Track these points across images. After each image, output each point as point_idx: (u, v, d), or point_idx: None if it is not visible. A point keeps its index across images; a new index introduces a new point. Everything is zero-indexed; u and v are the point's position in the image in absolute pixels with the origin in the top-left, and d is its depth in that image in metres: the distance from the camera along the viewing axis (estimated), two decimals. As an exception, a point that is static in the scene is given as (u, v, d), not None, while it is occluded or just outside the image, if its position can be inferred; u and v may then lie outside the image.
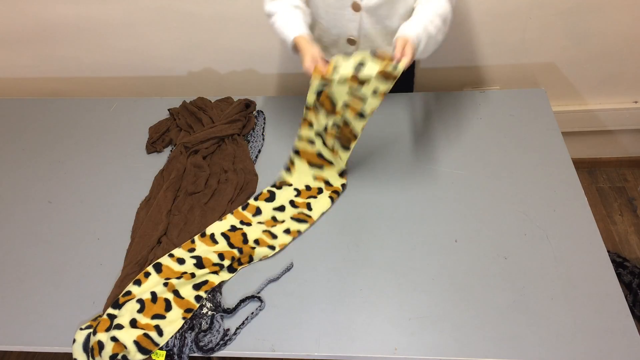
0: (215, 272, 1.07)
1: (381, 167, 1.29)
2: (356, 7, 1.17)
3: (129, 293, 1.03)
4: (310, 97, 1.11)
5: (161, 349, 0.97)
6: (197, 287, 1.05)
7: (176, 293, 1.03)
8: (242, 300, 1.03)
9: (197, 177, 1.27)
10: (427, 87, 1.70)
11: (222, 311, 1.02)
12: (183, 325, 0.99)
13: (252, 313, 1.01)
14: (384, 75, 1.01)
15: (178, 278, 1.04)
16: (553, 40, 1.57)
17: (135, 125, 1.47)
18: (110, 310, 1.00)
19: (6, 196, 1.30)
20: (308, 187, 1.23)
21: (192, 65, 1.74)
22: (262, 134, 1.42)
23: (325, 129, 1.15)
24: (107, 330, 0.97)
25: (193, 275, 1.05)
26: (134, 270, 1.08)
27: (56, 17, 1.59)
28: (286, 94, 1.61)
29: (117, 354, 0.93)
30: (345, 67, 1.04)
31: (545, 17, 1.50)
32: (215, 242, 1.12)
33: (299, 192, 1.23)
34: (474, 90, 1.53)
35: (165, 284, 1.03)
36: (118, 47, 1.68)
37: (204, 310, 1.02)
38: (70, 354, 0.97)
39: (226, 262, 1.08)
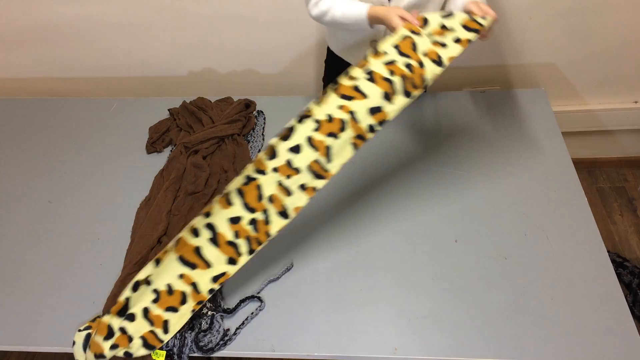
0: (232, 261, 1.00)
1: (381, 167, 1.29)
2: None
3: (146, 277, 1.01)
4: (386, 46, 1.05)
5: (161, 348, 0.97)
6: (215, 279, 1.00)
7: (194, 286, 1.00)
8: (242, 301, 1.03)
9: (197, 177, 1.27)
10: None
11: (222, 311, 1.02)
12: (184, 325, 0.99)
13: (252, 313, 1.01)
14: (469, 24, 1.05)
15: (193, 268, 0.99)
16: (553, 40, 1.57)
17: (135, 125, 1.47)
18: (128, 293, 0.99)
19: (6, 196, 1.30)
20: (330, 118, 1.02)
21: (192, 65, 1.74)
22: (262, 134, 1.42)
23: (392, 62, 1.03)
24: (120, 314, 0.97)
25: (208, 265, 1.00)
26: (133, 270, 1.08)
27: (56, 17, 1.59)
28: (286, 94, 1.61)
29: (117, 345, 0.93)
30: (434, 19, 1.07)
31: (545, 17, 1.50)
32: (230, 203, 1.00)
33: (319, 125, 1.02)
34: (474, 90, 1.53)
35: (181, 276, 1.00)
36: (118, 47, 1.68)
37: (204, 310, 1.02)
38: (70, 354, 0.97)
39: (240, 241, 1.00)
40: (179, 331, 0.98)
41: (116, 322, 0.98)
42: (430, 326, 0.98)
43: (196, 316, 1.01)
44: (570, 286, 1.02)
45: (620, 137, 1.91)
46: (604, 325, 0.95)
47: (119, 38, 1.65)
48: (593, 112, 1.77)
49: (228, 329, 0.99)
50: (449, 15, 1.06)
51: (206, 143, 1.35)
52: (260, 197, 1.00)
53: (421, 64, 1.03)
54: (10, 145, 1.45)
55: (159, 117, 1.48)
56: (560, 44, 1.58)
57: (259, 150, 1.37)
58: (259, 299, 1.03)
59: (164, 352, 0.96)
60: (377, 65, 1.04)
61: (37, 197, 1.29)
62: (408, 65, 1.03)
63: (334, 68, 1.47)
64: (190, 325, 1.00)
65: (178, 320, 0.99)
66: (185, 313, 1.00)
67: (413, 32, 1.04)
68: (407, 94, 1.03)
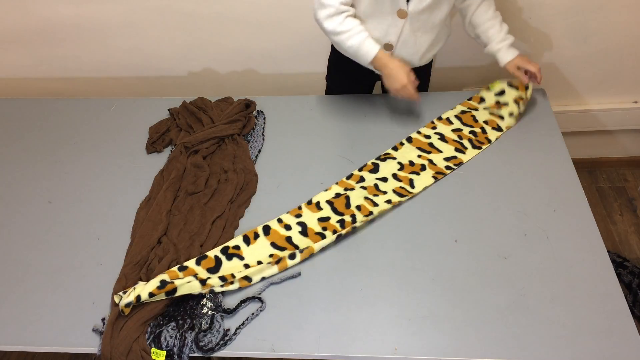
0: (291, 256, 1.08)
1: (381, 167, 1.29)
2: (402, 14, 1.18)
3: (237, 247, 1.10)
4: (449, 116, 1.39)
5: (161, 349, 0.97)
6: (300, 251, 1.09)
7: (247, 278, 1.06)
8: (243, 301, 1.03)
9: (197, 177, 1.27)
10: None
11: (222, 311, 1.02)
12: (183, 325, 0.99)
13: (253, 314, 1.01)
14: (519, 100, 1.34)
15: (282, 250, 1.10)
16: (553, 40, 1.57)
17: (135, 125, 1.47)
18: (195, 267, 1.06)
19: (6, 196, 1.30)
20: (411, 163, 1.27)
21: (192, 65, 1.74)
22: (262, 134, 1.42)
23: (459, 130, 1.35)
24: (209, 271, 1.05)
25: (297, 247, 1.10)
26: (133, 270, 1.08)
27: (56, 17, 1.59)
28: (286, 94, 1.61)
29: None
30: (489, 97, 1.41)
31: (545, 17, 1.50)
32: (319, 208, 1.18)
33: (402, 166, 1.26)
34: (474, 90, 1.53)
35: (271, 255, 1.09)
36: (118, 47, 1.68)
37: (204, 310, 1.02)
38: (70, 354, 0.97)
39: (328, 233, 1.13)
40: (180, 331, 0.98)
41: (202, 273, 1.05)
42: (430, 326, 0.98)
43: (196, 316, 1.01)
44: (570, 286, 1.02)
45: (620, 137, 1.91)
46: (604, 325, 0.95)
47: (119, 38, 1.65)
48: (593, 112, 1.77)
49: (228, 329, 0.99)
50: (501, 93, 1.37)
51: (206, 143, 1.35)
52: (348, 206, 1.18)
53: (483, 130, 1.35)
54: (10, 145, 1.45)
55: (159, 117, 1.48)
56: (560, 44, 1.58)
57: (259, 151, 1.37)
58: (260, 299, 1.03)
59: (164, 352, 0.96)
60: (446, 130, 1.35)
61: (37, 197, 1.29)
62: (472, 132, 1.34)
63: (338, 68, 1.47)
64: (190, 325, 1.00)
65: (259, 271, 1.06)
66: (265, 269, 1.07)
67: (470, 108, 1.37)
68: (477, 147, 1.31)
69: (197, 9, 1.55)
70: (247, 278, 1.06)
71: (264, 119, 1.47)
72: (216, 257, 1.08)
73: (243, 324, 1.00)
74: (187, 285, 1.01)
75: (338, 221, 1.15)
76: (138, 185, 1.29)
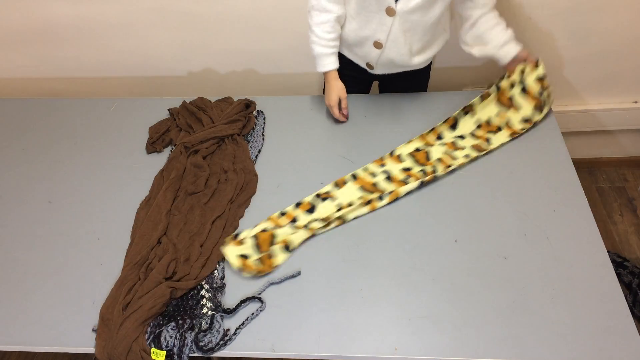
0: (380, 198, 1.19)
1: (381, 167, 1.29)
2: (390, 12, 1.18)
3: (328, 192, 1.22)
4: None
5: (161, 349, 0.97)
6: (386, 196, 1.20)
7: (341, 218, 1.16)
8: (243, 301, 1.03)
9: (197, 177, 1.27)
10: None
11: (222, 311, 1.02)
12: (183, 325, 0.99)
13: (253, 314, 1.01)
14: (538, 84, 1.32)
15: (371, 193, 1.21)
16: (553, 40, 1.57)
17: (135, 125, 1.47)
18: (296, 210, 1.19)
19: (6, 196, 1.30)
20: (489, 122, 1.34)
21: (192, 65, 1.74)
22: (262, 134, 1.42)
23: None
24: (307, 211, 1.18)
25: (368, 202, 1.19)
26: (133, 271, 1.08)
27: (56, 17, 1.59)
28: (286, 94, 1.61)
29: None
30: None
31: (545, 17, 1.50)
32: (401, 160, 1.28)
33: (479, 125, 1.34)
34: (474, 90, 1.53)
35: (340, 208, 1.19)
36: (118, 47, 1.68)
37: (204, 310, 1.02)
38: (70, 354, 0.97)
39: (412, 180, 1.23)
40: (180, 331, 0.98)
41: (301, 215, 1.18)
42: (430, 326, 0.98)
43: (196, 316, 1.01)
44: (570, 286, 1.02)
45: (620, 137, 1.91)
46: (604, 325, 0.95)
47: (119, 38, 1.65)
48: (593, 112, 1.77)
49: (228, 329, 0.99)
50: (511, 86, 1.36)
51: (206, 143, 1.35)
52: (428, 158, 1.28)
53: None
54: (10, 145, 1.45)
55: (159, 117, 1.48)
56: (560, 44, 1.58)
57: (259, 151, 1.37)
58: (260, 299, 1.03)
59: (164, 352, 0.96)
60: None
61: (37, 197, 1.29)
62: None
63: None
64: (190, 325, 1.00)
65: (351, 211, 1.17)
66: (357, 209, 1.18)
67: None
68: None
69: (197, 9, 1.55)
70: (341, 218, 1.16)
71: (264, 119, 1.47)
72: (310, 203, 1.20)
73: (243, 324, 1.00)
74: (294, 236, 1.12)
75: (420, 170, 1.25)
76: (138, 185, 1.29)
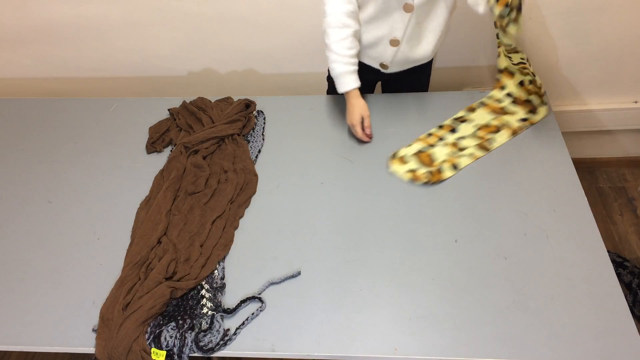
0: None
1: (381, 166, 1.29)
2: (408, 8, 1.18)
3: (461, 116, 1.36)
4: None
5: (161, 348, 0.97)
6: (523, 120, 1.36)
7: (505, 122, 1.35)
8: (243, 301, 1.03)
9: (197, 177, 1.27)
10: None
11: (222, 311, 1.02)
12: (183, 325, 0.99)
13: (253, 314, 1.01)
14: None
15: (505, 113, 1.37)
16: (553, 40, 1.57)
17: (135, 125, 1.47)
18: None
19: (6, 196, 1.30)
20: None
21: (192, 65, 1.74)
22: (262, 134, 1.42)
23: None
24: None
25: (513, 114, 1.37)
26: (133, 271, 1.08)
27: (56, 17, 1.59)
28: (286, 94, 1.61)
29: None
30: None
31: (545, 17, 1.50)
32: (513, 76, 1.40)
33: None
34: (474, 90, 1.53)
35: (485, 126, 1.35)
36: (118, 47, 1.68)
37: (204, 310, 1.02)
38: (70, 354, 0.97)
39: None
40: (180, 331, 0.98)
41: (447, 135, 1.34)
42: (430, 326, 0.98)
43: (196, 316, 1.01)
44: (570, 286, 1.02)
45: (620, 137, 1.91)
46: (604, 325, 0.95)
47: (119, 38, 1.65)
48: (593, 112, 1.77)
49: (228, 329, 0.99)
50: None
51: (206, 143, 1.35)
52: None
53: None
54: (10, 145, 1.45)
55: (159, 117, 1.48)
56: (560, 44, 1.58)
57: (259, 151, 1.37)
58: (260, 299, 1.03)
59: (164, 352, 0.96)
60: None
61: (37, 197, 1.29)
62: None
63: None
64: (190, 325, 1.00)
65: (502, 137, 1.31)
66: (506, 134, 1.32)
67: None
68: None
69: (197, 8, 1.55)
70: (482, 145, 1.30)
71: (264, 119, 1.47)
72: (450, 125, 1.35)
73: (243, 324, 1.00)
74: (461, 159, 1.27)
75: (530, 82, 1.35)
76: (138, 185, 1.29)
